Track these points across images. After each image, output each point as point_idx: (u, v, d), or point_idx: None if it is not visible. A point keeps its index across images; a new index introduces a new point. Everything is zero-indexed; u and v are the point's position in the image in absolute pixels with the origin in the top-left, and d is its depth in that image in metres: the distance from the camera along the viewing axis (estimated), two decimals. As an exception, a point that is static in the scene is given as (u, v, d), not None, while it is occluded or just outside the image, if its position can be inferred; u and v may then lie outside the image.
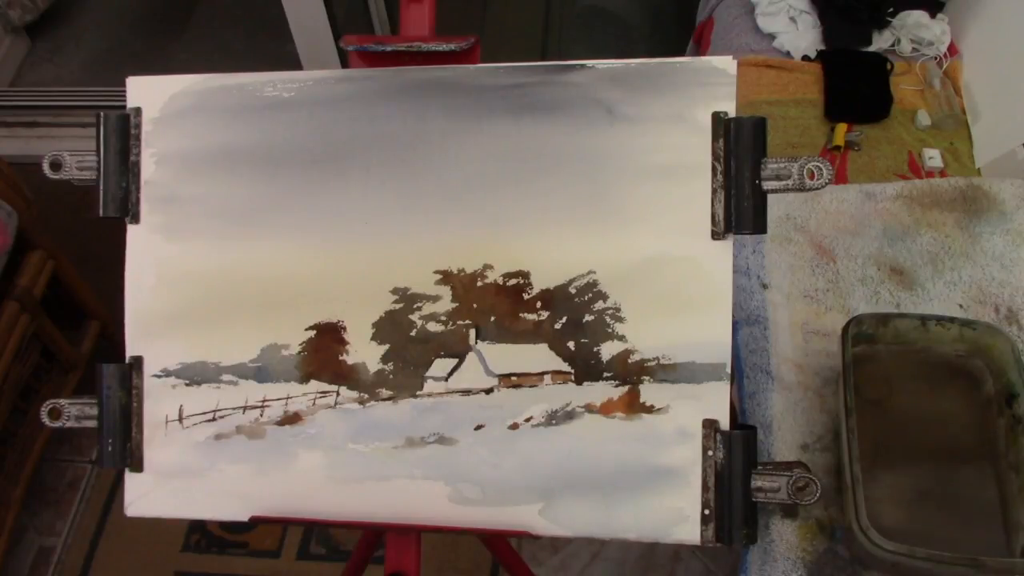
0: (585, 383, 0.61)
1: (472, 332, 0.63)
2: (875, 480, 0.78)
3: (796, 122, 1.27)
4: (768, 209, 0.59)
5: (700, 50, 1.61)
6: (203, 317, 0.65)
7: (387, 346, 0.63)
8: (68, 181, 0.66)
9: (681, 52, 1.83)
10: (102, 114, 0.66)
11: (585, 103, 0.61)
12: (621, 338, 0.61)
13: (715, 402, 0.60)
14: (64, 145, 1.29)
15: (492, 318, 0.63)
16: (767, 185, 0.59)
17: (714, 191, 0.60)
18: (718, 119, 0.60)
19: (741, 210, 0.59)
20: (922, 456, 0.80)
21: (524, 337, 0.62)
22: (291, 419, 0.64)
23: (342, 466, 0.63)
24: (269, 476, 0.64)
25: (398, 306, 0.63)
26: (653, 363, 0.61)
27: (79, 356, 1.62)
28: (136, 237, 0.66)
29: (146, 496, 0.65)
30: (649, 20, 2.46)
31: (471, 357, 0.62)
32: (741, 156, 0.59)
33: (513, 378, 0.62)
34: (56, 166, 0.66)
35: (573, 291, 0.62)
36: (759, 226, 0.59)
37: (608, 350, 0.61)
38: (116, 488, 1.57)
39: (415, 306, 0.63)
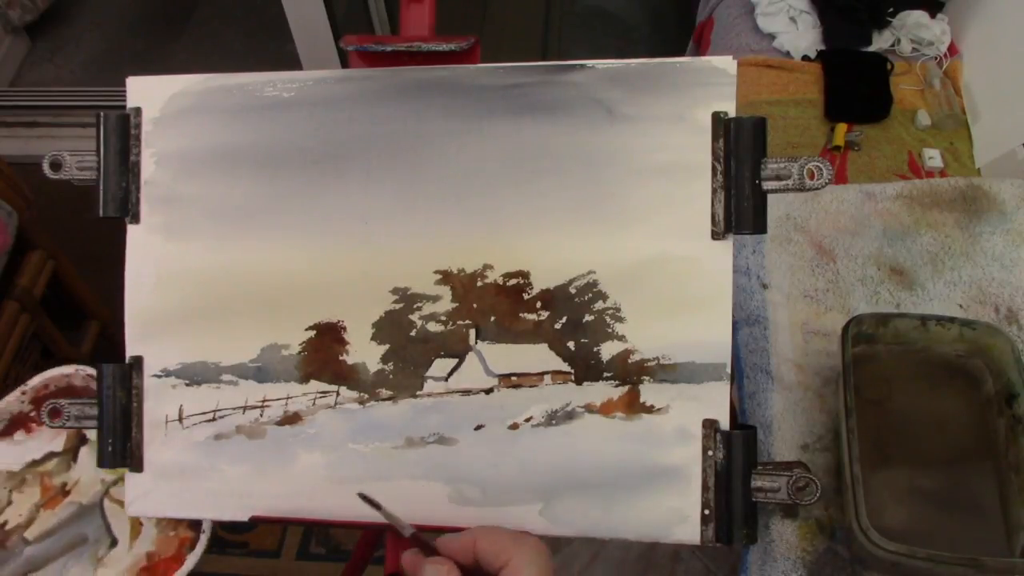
0: (585, 383, 0.61)
1: (472, 332, 0.63)
2: (875, 480, 0.78)
3: (796, 122, 1.27)
4: (768, 209, 0.59)
5: (700, 50, 1.61)
6: (203, 317, 0.65)
7: (387, 346, 0.63)
8: (68, 181, 0.66)
9: (681, 52, 1.83)
10: (102, 114, 0.66)
11: (585, 103, 0.61)
12: (621, 338, 0.61)
13: (715, 402, 0.60)
14: (64, 145, 1.29)
15: (492, 318, 0.63)
16: (767, 185, 0.59)
17: (714, 191, 0.60)
18: (718, 119, 0.60)
19: (741, 210, 0.59)
20: (922, 456, 0.80)
21: (524, 337, 0.62)
22: (291, 419, 0.64)
23: (342, 466, 0.63)
24: (269, 476, 0.64)
25: (398, 306, 0.63)
26: (653, 363, 0.61)
27: (79, 356, 1.62)
28: (136, 237, 0.66)
29: (146, 496, 0.66)
30: (649, 20, 2.46)
31: (471, 357, 0.62)
32: (741, 156, 0.59)
33: (513, 378, 0.62)
34: (56, 166, 0.66)
35: (573, 291, 0.62)
36: (759, 226, 0.59)
37: (608, 350, 0.61)
38: (116, 488, 1.57)
39: (415, 306, 0.63)
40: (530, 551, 0.48)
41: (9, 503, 0.76)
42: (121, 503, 0.75)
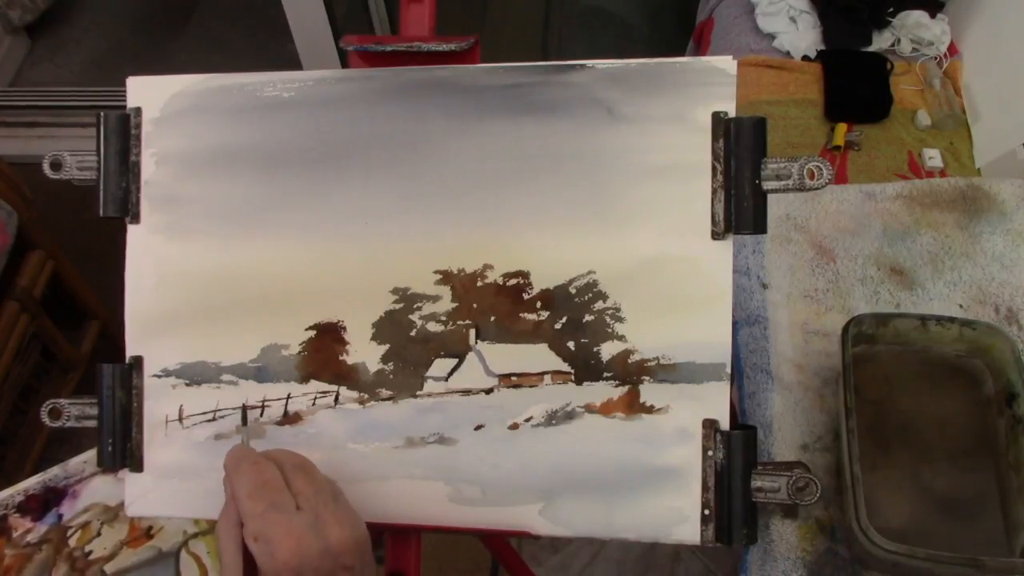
0: (585, 383, 0.61)
1: (472, 332, 0.63)
2: (875, 480, 0.78)
3: (796, 122, 1.27)
4: (768, 209, 0.59)
5: (700, 50, 1.61)
6: (203, 317, 0.65)
7: (387, 346, 0.63)
8: (68, 181, 0.66)
9: (681, 52, 1.83)
10: (102, 114, 0.66)
11: (585, 103, 0.61)
12: (621, 338, 0.61)
13: (715, 402, 0.60)
14: (64, 145, 1.29)
15: (492, 318, 0.63)
16: (767, 185, 0.59)
17: (714, 191, 0.60)
18: (718, 119, 0.60)
19: (741, 210, 0.59)
20: (922, 456, 0.80)
21: (524, 337, 0.62)
22: (291, 419, 0.64)
23: (342, 466, 0.63)
24: (269, 476, 0.64)
25: (398, 306, 0.63)
26: (653, 363, 0.61)
27: (79, 356, 1.62)
28: (136, 237, 0.66)
29: (146, 496, 0.65)
30: (649, 20, 2.46)
31: (471, 357, 0.62)
32: (741, 156, 0.59)
33: (513, 378, 0.62)
34: (56, 166, 0.66)
35: (573, 291, 0.62)
36: (759, 226, 0.59)
37: (608, 350, 0.61)
38: (116, 488, 1.57)
39: (415, 306, 0.63)
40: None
41: (98, 534, 0.80)
42: (196, 557, 0.79)
